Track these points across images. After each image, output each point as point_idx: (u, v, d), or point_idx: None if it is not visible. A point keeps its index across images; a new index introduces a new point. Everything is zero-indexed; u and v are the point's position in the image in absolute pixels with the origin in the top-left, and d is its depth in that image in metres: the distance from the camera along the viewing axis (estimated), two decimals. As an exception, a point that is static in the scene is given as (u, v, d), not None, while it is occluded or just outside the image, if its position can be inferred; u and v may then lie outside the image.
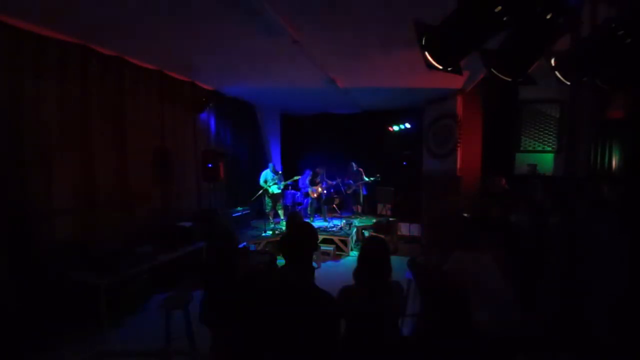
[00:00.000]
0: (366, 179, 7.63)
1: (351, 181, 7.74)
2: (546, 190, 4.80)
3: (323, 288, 1.65)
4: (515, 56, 2.05)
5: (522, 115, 6.14)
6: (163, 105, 5.13)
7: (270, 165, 7.14)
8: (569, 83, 2.38)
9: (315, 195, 7.43)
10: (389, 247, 2.04)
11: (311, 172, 7.55)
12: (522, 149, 6.18)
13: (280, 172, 7.47)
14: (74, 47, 3.74)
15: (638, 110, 4.19)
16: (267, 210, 7.14)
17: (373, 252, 1.95)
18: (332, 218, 7.70)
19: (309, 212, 7.51)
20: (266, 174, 7.01)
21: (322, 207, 7.70)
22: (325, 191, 7.52)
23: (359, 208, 8.08)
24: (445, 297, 2.00)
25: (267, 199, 7.09)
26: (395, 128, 8.35)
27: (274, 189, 7.00)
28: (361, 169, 7.75)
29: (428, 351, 1.95)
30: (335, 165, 8.21)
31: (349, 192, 7.81)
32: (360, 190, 7.82)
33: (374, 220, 7.22)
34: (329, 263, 6.04)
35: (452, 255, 2.41)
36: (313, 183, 7.45)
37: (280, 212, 7.35)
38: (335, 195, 8.02)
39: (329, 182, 7.63)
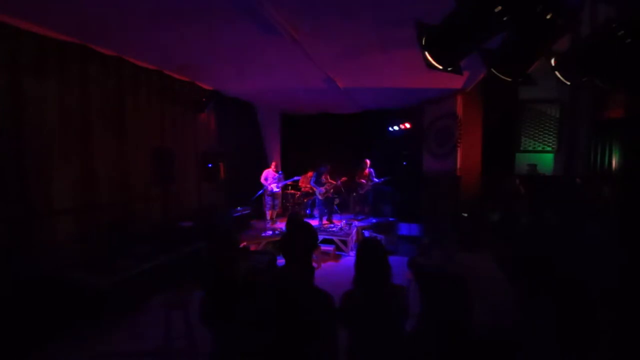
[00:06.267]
0: (376, 180, 7.52)
1: (364, 181, 7.58)
2: (545, 190, 4.80)
3: (323, 288, 1.65)
4: (515, 56, 2.06)
5: (522, 115, 6.14)
6: (163, 105, 5.12)
7: (273, 164, 7.15)
8: (569, 83, 2.38)
9: (322, 195, 7.12)
10: (384, 247, 1.95)
11: (317, 173, 7.39)
12: (522, 149, 6.17)
13: (280, 172, 7.46)
14: (74, 47, 3.74)
15: (638, 110, 4.19)
16: (267, 210, 7.13)
17: (369, 255, 1.85)
18: (335, 217, 7.66)
19: (310, 213, 7.45)
20: (267, 173, 7.01)
21: (322, 208, 7.62)
22: (332, 190, 7.39)
23: (366, 209, 7.99)
24: (446, 297, 2.00)
25: (267, 199, 7.08)
26: (395, 128, 8.33)
27: (274, 188, 7.00)
28: (372, 170, 7.58)
29: (428, 351, 1.95)
30: (334, 166, 8.17)
31: (361, 192, 7.66)
32: (370, 191, 7.73)
33: (374, 221, 7.20)
34: (329, 263, 6.04)
35: (455, 256, 2.39)
36: (320, 183, 7.15)
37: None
38: (335, 196, 7.98)
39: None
